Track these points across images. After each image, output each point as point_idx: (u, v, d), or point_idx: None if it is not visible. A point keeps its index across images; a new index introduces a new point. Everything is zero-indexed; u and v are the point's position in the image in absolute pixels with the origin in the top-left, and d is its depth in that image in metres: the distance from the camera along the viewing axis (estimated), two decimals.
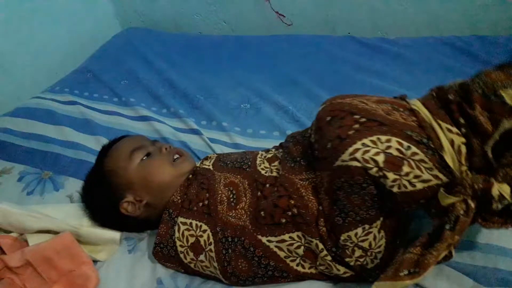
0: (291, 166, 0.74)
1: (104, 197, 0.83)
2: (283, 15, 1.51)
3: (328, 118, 0.66)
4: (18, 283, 0.76)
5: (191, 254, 0.73)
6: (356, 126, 0.61)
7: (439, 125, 0.63)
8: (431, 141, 0.61)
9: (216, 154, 0.91)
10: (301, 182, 0.71)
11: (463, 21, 1.30)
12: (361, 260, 0.64)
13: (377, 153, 0.58)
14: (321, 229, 0.66)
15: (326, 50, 1.34)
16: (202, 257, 0.72)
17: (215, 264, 0.71)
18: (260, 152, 0.86)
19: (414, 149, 0.60)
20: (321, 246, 0.66)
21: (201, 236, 0.72)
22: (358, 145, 0.59)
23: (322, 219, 0.67)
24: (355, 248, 0.64)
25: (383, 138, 0.60)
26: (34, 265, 0.76)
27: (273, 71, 1.31)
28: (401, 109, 0.68)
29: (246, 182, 0.76)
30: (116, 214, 0.81)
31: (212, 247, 0.71)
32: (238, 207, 0.73)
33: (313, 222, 0.67)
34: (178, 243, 0.74)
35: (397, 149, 0.59)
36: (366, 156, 0.58)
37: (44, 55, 1.51)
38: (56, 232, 0.82)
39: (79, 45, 1.63)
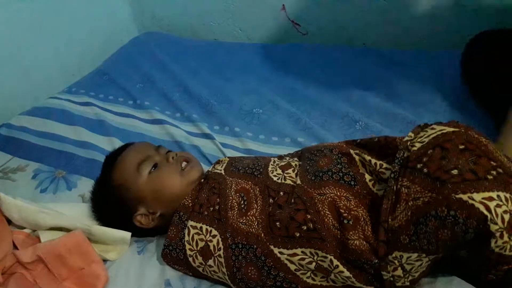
0: (311, 179, 0.73)
1: (116, 212, 0.83)
2: (298, 24, 1.52)
3: (462, 147, 0.62)
4: (29, 279, 0.77)
5: (200, 258, 0.73)
6: (494, 173, 0.58)
7: None
8: None
9: (229, 157, 0.91)
10: (319, 197, 0.70)
11: None
12: (396, 278, 0.63)
13: (505, 211, 0.55)
14: (352, 242, 0.64)
15: (341, 60, 1.34)
16: (211, 262, 0.72)
17: (224, 270, 0.71)
18: (272, 158, 0.86)
19: None
20: (335, 262, 0.65)
21: (211, 241, 0.73)
22: (493, 194, 0.56)
23: (369, 227, 0.65)
24: (399, 268, 0.62)
25: None
26: (45, 261, 0.77)
27: (287, 79, 1.32)
28: None
29: (257, 189, 0.76)
30: (129, 226, 0.82)
31: (221, 252, 0.71)
32: (249, 213, 0.73)
33: (328, 238, 0.66)
34: (187, 246, 0.74)
35: None
36: (498, 211, 0.55)
37: (62, 56, 1.53)
38: (68, 230, 0.83)
39: (97, 47, 1.66)
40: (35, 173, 1.07)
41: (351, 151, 0.77)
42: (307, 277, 0.68)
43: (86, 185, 1.01)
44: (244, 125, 1.16)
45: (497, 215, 0.54)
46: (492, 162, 0.60)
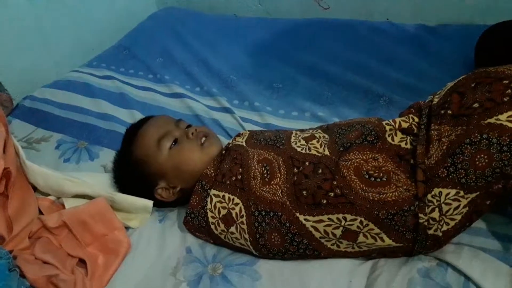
0: (340, 150, 0.73)
1: (137, 185, 0.84)
2: None
3: (473, 84, 0.68)
4: (54, 243, 0.79)
5: (222, 225, 0.74)
6: (509, 91, 0.62)
7: None
8: None
9: (249, 131, 0.91)
10: (343, 163, 0.70)
11: None
12: (431, 222, 0.63)
13: None
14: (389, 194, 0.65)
15: (363, 36, 1.32)
16: (233, 228, 0.73)
17: (246, 236, 0.72)
18: (294, 131, 0.85)
19: None
20: (365, 222, 0.66)
21: (233, 208, 0.73)
22: None
23: (402, 175, 0.67)
24: (436, 209, 0.63)
25: None
26: (70, 226, 0.79)
27: (308, 54, 1.29)
28: None
29: (281, 159, 0.76)
30: (150, 198, 0.84)
31: (244, 219, 0.72)
32: (272, 182, 0.73)
33: (357, 201, 0.66)
34: (209, 214, 0.75)
35: None
36: None
37: (83, 31, 1.54)
38: (91, 198, 0.85)
39: (116, 23, 1.66)
40: (58, 143, 1.09)
41: (383, 123, 0.76)
42: (332, 244, 0.69)
43: (107, 155, 1.02)
44: (263, 100, 1.15)
45: None
46: (504, 82, 0.64)
